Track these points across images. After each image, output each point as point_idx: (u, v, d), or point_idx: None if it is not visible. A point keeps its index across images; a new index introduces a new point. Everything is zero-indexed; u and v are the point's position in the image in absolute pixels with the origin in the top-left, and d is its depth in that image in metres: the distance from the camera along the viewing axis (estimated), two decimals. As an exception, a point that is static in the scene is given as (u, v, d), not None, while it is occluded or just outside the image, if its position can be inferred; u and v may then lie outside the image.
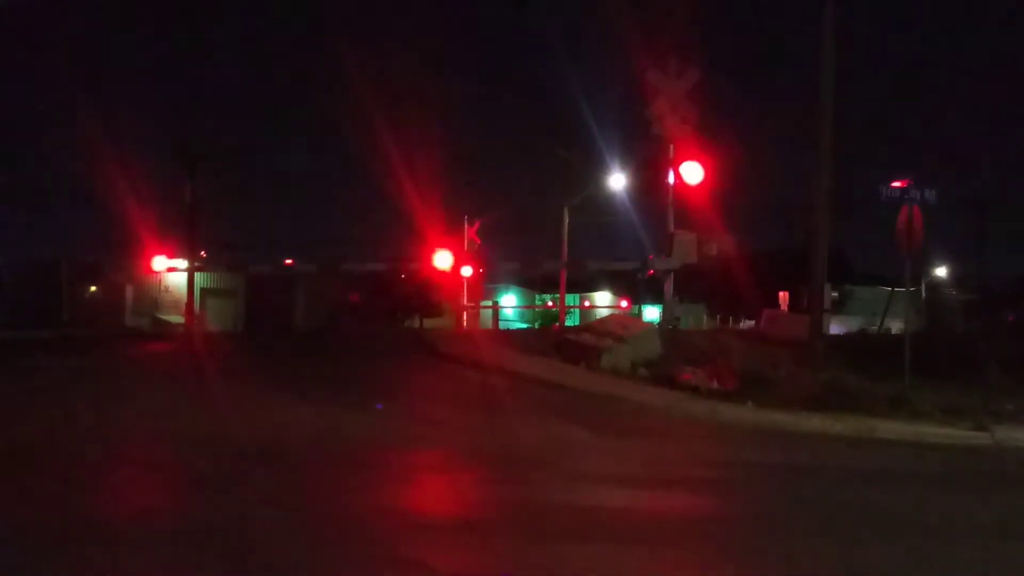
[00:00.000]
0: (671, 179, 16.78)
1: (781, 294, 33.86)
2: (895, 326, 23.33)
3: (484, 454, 8.23)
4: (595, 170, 30.12)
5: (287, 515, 5.81)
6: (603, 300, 44.33)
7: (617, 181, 29.86)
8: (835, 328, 21.83)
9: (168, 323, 28.73)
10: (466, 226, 35.61)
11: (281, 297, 33.31)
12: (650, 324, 18.76)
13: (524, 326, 38.58)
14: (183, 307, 26.95)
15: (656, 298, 21.95)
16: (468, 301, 34.48)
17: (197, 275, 26.73)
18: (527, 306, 45.86)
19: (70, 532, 5.24)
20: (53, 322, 26.42)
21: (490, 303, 41.03)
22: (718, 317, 43.65)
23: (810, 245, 16.25)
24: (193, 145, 27.65)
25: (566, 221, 32.87)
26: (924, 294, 32.26)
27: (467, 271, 28.80)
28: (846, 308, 35.69)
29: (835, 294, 28.17)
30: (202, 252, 27.49)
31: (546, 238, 34.74)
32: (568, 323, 32.42)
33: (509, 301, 46.29)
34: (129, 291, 31.01)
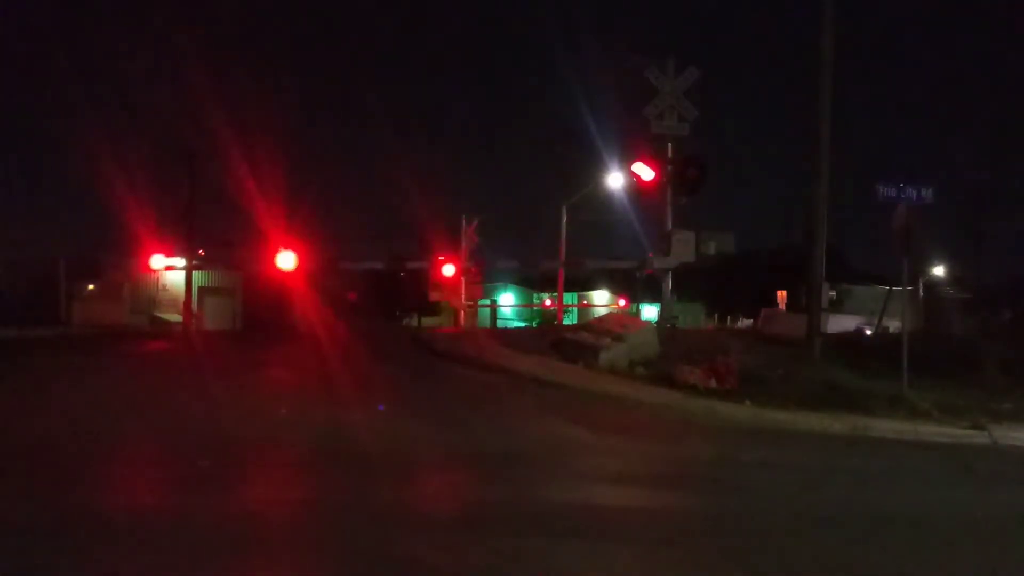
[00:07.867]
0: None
1: (779, 293, 33.88)
2: (893, 325, 23.33)
3: (482, 453, 8.24)
4: (594, 168, 30.13)
5: (286, 512, 5.82)
6: (601, 299, 44.28)
7: (615, 179, 29.85)
8: (833, 327, 21.84)
9: (166, 321, 28.72)
10: (464, 224, 35.56)
11: (279, 295, 33.27)
12: (648, 323, 18.74)
13: (522, 325, 38.57)
14: (181, 305, 26.89)
15: (654, 297, 21.96)
16: (466, 300, 34.44)
17: (195, 273, 26.70)
18: (525, 305, 45.83)
19: (69, 527, 5.25)
20: (51, 320, 26.41)
21: (488, 302, 40.99)
22: (716, 316, 43.67)
23: (808, 244, 16.26)
24: (192, 142, 27.61)
25: (564, 219, 32.87)
26: (922, 293, 32.24)
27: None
28: (844, 307, 35.61)
29: (833, 293, 28.10)
30: (200, 250, 27.43)
31: (545, 237, 34.78)
32: (566, 322, 32.40)
33: (507, 300, 46.25)
34: (127, 289, 30.99)
